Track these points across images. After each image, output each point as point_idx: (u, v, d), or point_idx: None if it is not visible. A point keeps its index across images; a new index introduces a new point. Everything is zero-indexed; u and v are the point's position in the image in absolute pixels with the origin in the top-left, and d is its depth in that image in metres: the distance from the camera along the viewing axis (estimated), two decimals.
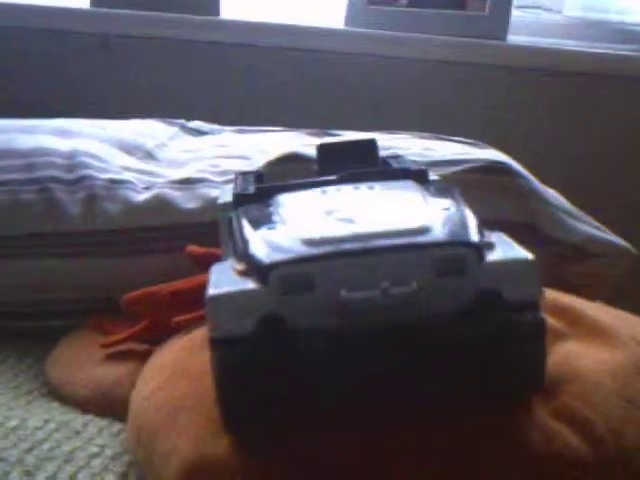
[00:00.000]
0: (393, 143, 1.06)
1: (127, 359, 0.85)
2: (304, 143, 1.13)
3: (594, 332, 0.63)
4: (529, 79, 1.59)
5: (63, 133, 1.12)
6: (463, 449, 0.53)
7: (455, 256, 0.52)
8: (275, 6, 1.80)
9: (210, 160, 1.10)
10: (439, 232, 0.53)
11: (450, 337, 0.52)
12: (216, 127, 1.32)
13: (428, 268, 0.52)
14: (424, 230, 0.53)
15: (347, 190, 0.62)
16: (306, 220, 0.57)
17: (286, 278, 0.51)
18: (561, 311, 0.66)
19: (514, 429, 0.54)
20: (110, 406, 0.80)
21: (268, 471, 0.54)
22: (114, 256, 0.99)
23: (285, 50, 1.66)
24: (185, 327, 0.80)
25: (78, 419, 0.78)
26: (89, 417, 0.79)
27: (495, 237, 0.56)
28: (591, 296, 0.77)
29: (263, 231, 0.57)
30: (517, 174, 0.94)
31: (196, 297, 0.84)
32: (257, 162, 1.05)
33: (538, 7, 1.67)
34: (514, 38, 1.63)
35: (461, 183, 0.75)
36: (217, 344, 0.52)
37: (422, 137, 1.13)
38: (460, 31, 1.61)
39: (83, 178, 1.03)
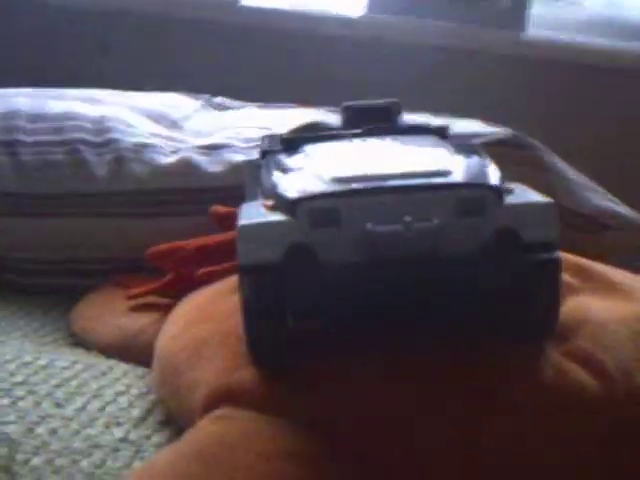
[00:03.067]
0: (412, 118, 1.08)
1: (151, 310, 0.88)
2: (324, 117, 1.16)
3: (607, 287, 0.66)
4: (545, 72, 1.61)
5: (92, 100, 1.15)
6: (479, 384, 0.56)
7: (474, 197, 0.55)
8: None
9: (234, 129, 1.12)
10: (460, 175, 0.56)
11: (468, 273, 0.55)
12: (239, 103, 1.35)
13: (449, 208, 0.54)
14: (446, 173, 0.56)
15: (373, 140, 0.65)
16: (334, 162, 0.60)
17: (314, 211, 0.54)
18: (575, 268, 0.69)
19: (528, 365, 0.56)
20: (133, 353, 0.83)
21: (292, 401, 0.57)
22: (139, 217, 1.01)
23: (306, 36, 1.69)
24: (210, 280, 0.83)
25: (104, 362, 0.81)
26: (113, 361, 0.81)
27: (516, 186, 0.59)
28: None
29: (292, 173, 0.60)
30: (533, 147, 0.97)
31: (221, 252, 0.87)
32: (279, 131, 1.08)
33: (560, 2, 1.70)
34: (534, 31, 1.65)
35: None
36: (246, 271, 0.55)
37: (438, 116, 1.16)
38: (481, 21, 1.63)
39: (111, 141, 1.06)
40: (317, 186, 0.56)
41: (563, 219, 0.95)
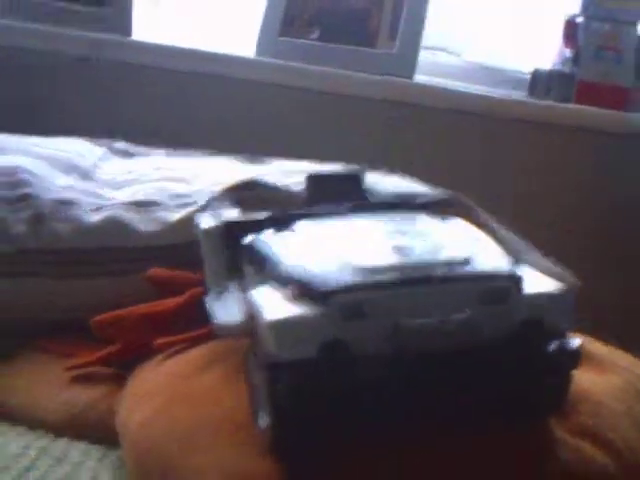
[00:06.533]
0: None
1: (97, 382, 0.83)
2: (240, 169, 1.15)
3: (591, 361, 0.68)
4: (432, 118, 1.66)
5: None
6: (505, 468, 0.56)
7: (499, 287, 0.56)
8: (186, 30, 1.80)
9: (152, 183, 1.09)
10: (482, 263, 0.57)
11: (493, 362, 0.55)
12: (142, 149, 1.31)
13: (474, 297, 0.55)
14: (468, 261, 0.57)
15: (370, 219, 0.65)
16: (350, 247, 0.59)
17: (346, 304, 0.53)
18: None
19: (546, 447, 0.57)
20: (84, 429, 0.78)
21: None
22: (65, 277, 0.96)
23: (194, 75, 1.67)
24: (164, 350, 0.79)
25: (56, 444, 0.75)
26: (64, 441, 0.76)
27: (519, 263, 0.60)
28: None
29: (308, 258, 0.58)
30: (471, 207, 0.99)
31: (168, 320, 0.84)
32: (204, 186, 1.05)
33: (443, 50, 1.76)
34: (420, 77, 1.70)
35: None
36: (279, 367, 0.53)
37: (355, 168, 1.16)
38: (369, 68, 1.66)
39: (26, 196, 1.00)
40: (345, 276, 0.55)
41: None
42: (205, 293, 0.81)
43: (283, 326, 0.53)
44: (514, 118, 1.69)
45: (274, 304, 0.55)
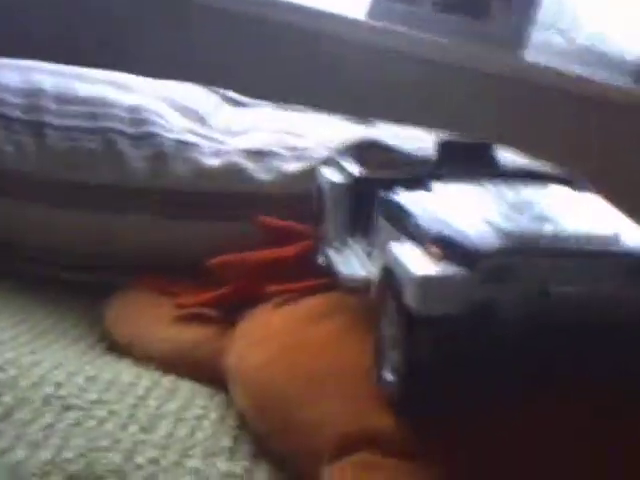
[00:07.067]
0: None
1: (203, 323, 0.84)
2: (351, 129, 1.15)
3: None
4: (539, 96, 1.64)
5: (123, 87, 1.10)
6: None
7: None
8: None
9: (267, 133, 1.09)
10: (629, 242, 0.56)
11: (630, 340, 0.55)
12: (251, 100, 1.31)
13: (621, 273, 0.55)
14: (616, 238, 0.56)
15: (511, 187, 0.64)
16: (492, 213, 0.58)
17: (495, 267, 0.53)
18: None
19: None
20: (187, 367, 0.79)
21: (438, 450, 0.55)
22: (177, 218, 0.98)
23: (303, 31, 1.66)
24: (275, 297, 0.80)
25: (166, 379, 0.76)
26: (171, 377, 0.77)
27: None
28: None
29: (452, 219, 0.58)
30: (590, 187, 0.97)
31: (284, 269, 0.84)
32: (317, 141, 1.04)
33: (555, 29, 1.72)
34: (528, 54, 1.67)
35: None
36: (424, 322, 0.53)
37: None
38: (479, 41, 1.64)
39: (149, 135, 1.01)
40: (491, 239, 0.54)
41: None
42: (315, 247, 0.82)
43: (431, 282, 0.53)
44: (619, 104, 1.65)
45: (419, 260, 0.55)
